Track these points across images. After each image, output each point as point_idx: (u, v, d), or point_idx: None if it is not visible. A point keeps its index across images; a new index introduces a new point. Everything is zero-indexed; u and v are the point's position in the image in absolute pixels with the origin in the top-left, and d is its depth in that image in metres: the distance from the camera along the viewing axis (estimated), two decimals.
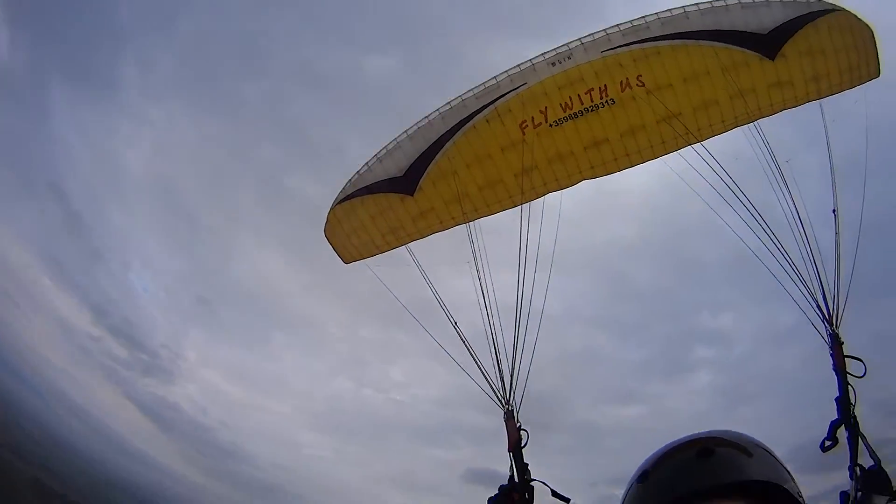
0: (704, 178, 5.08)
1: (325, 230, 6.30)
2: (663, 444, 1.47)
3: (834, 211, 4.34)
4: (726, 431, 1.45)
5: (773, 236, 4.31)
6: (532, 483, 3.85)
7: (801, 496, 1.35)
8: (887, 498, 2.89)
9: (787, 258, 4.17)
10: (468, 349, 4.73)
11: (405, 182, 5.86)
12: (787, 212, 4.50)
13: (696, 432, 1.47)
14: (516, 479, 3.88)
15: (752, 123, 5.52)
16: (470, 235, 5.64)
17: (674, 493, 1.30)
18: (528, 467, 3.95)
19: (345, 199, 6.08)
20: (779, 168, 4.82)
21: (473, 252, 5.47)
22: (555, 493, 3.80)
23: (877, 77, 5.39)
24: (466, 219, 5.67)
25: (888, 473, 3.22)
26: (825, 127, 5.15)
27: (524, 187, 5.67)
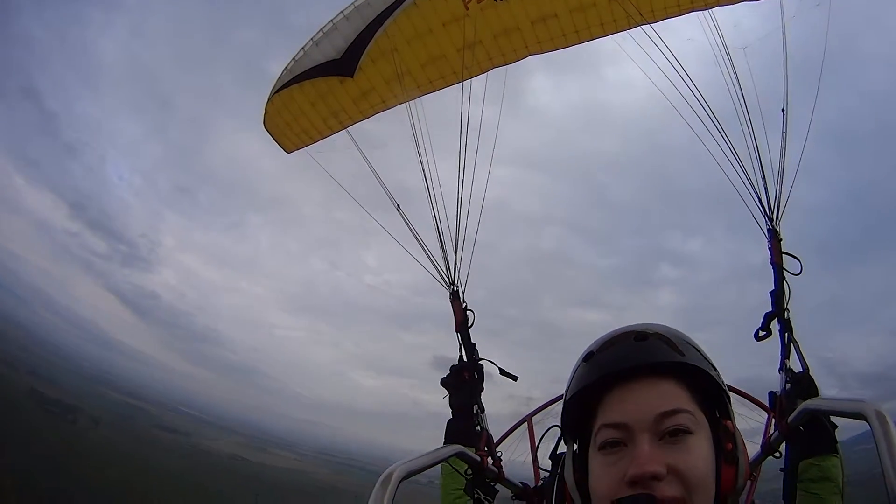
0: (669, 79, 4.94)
1: (263, 122, 6.09)
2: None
3: (783, 110, 4.32)
4: (662, 325, 1.56)
5: (719, 127, 4.32)
6: (481, 362, 3.92)
7: (723, 383, 1.50)
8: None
9: (734, 152, 4.20)
10: (409, 227, 4.75)
11: (343, 64, 5.61)
12: (737, 103, 4.49)
13: (636, 323, 1.58)
14: (465, 359, 3.95)
15: (709, 10, 5.25)
16: (410, 115, 5.43)
17: (612, 368, 1.43)
18: (476, 347, 4.01)
19: (281, 87, 5.82)
20: (728, 56, 4.80)
21: (413, 131, 5.30)
22: (503, 372, 3.93)
23: None
24: (408, 97, 5.46)
25: (814, 381, 3.32)
26: (782, 21, 4.98)
27: (467, 62, 5.44)
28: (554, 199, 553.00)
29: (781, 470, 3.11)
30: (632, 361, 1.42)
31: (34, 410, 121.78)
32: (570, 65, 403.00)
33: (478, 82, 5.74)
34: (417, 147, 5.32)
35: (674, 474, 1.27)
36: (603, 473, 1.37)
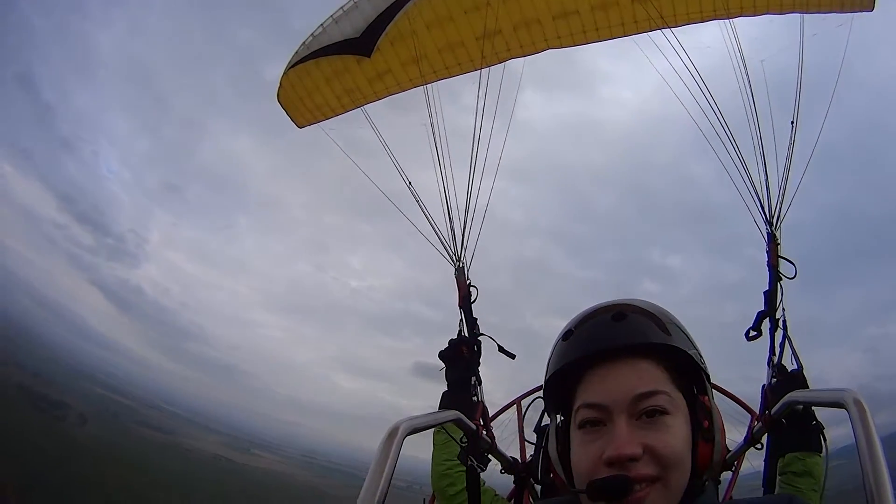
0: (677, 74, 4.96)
1: (277, 94, 6.02)
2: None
3: (792, 122, 4.34)
4: (642, 300, 1.58)
5: (728, 133, 4.37)
6: (480, 337, 3.90)
7: (703, 363, 1.52)
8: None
9: (740, 157, 4.25)
10: (418, 202, 4.71)
11: (362, 43, 5.56)
12: (747, 106, 4.59)
13: (616, 299, 1.61)
14: (465, 334, 3.96)
15: (730, 20, 5.27)
16: (426, 96, 5.41)
17: (590, 348, 1.46)
18: (477, 322, 4.02)
19: (298, 62, 5.76)
20: (745, 67, 4.83)
21: (429, 108, 5.26)
22: (501, 349, 3.92)
23: (870, 10, 5.15)
24: (424, 80, 5.44)
25: (807, 379, 3.36)
26: (801, 39, 5.04)
27: (485, 51, 5.40)
28: (538, 209, 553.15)
29: (764, 461, 3.17)
30: (610, 342, 1.44)
31: (24, 407, 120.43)
32: (562, 80, 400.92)
33: (470, 93, 5.64)
34: (432, 126, 5.26)
35: (650, 454, 1.30)
36: (582, 451, 1.40)
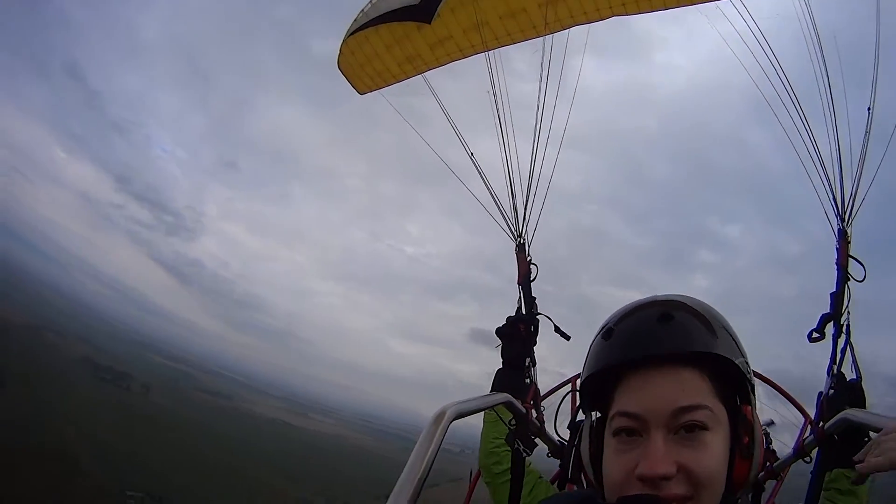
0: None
1: (338, 62, 5.91)
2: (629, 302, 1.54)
3: (869, 109, 4.02)
4: (689, 298, 1.47)
5: (802, 116, 4.05)
6: (538, 317, 3.81)
7: (749, 372, 1.41)
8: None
9: (814, 143, 3.94)
10: (480, 175, 4.52)
11: (422, 9, 5.34)
12: (823, 96, 4.16)
13: (662, 294, 1.50)
14: (524, 312, 3.87)
15: None
16: (488, 63, 5.07)
17: (630, 354, 1.36)
18: (536, 301, 3.91)
19: (357, 29, 5.63)
20: (817, 36, 4.41)
21: (491, 77, 4.91)
22: (557, 329, 3.85)
23: None
24: (486, 47, 5.21)
25: (864, 392, 3.19)
26: (878, 7, 4.60)
27: (548, 18, 5.14)
28: (594, 177, 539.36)
29: (811, 473, 3.00)
30: (653, 348, 1.34)
31: (89, 379, 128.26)
32: (616, 47, 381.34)
33: (521, 59, 5.37)
34: (494, 95, 4.91)
35: (684, 473, 1.24)
36: (615, 461, 1.34)
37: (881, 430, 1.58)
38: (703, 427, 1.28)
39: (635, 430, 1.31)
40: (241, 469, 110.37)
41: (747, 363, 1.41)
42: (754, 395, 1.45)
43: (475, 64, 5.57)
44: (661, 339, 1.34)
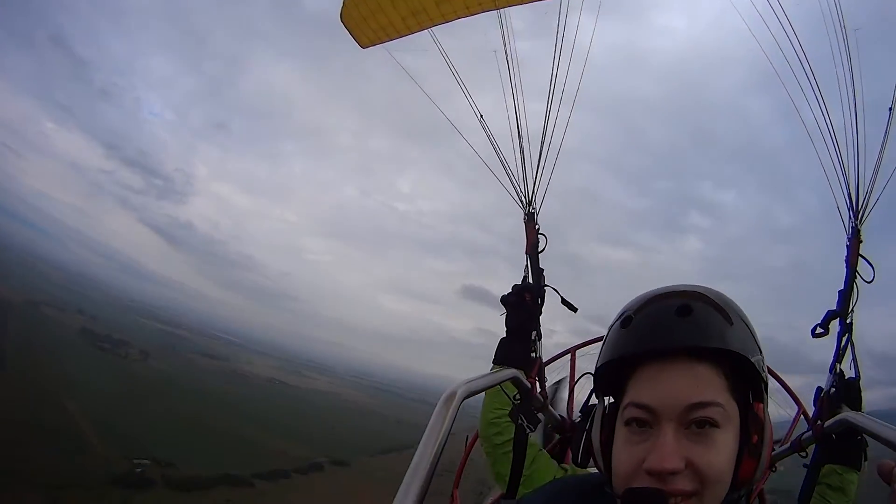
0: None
1: (340, 14, 5.61)
2: (650, 290, 1.50)
3: (890, 109, 3.79)
4: (709, 289, 1.43)
5: (822, 104, 3.79)
6: (545, 288, 3.71)
7: (764, 370, 1.39)
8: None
9: (832, 137, 3.73)
10: (490, 141, 4.27)
11: None
12: (845, 88, 3.91)
13: (683, 284, 1.45)
14: (531, 282, 3.77)
15: None
16: (500, 22, 4.82)
17: (647, 345, 1.34)
18: (544, 272, 3.80)
19: None
20: (844, 29, 4.07)
21: (503, 37, 4.69)
22: (564, 301, 3.75)
23: None
24: (496, 5, 4.89)
25: (861, 391, 3.20)
26: None
27: None
28: (589, 136, 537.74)
29: (804, 466, 3.07)
30: (671, 341, 1.32)
31: (89, 349, 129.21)
32: (614, 8, 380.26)
33: (517, 16, 4.98)
34: (506, 52, 4.62)
35: (691, 468, 1.23)
36: (624, 451, 1.33)
37: (885, 442, 1.57)
38: (714, 424, 1.26)
39: (647, 421, 1.30)
40: (241, 430, 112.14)
41: (763, 360, 1.38)
42: (767, 392, 1.42)
43: (470, 22, 5.28)
44: (679, 332, 1.32)
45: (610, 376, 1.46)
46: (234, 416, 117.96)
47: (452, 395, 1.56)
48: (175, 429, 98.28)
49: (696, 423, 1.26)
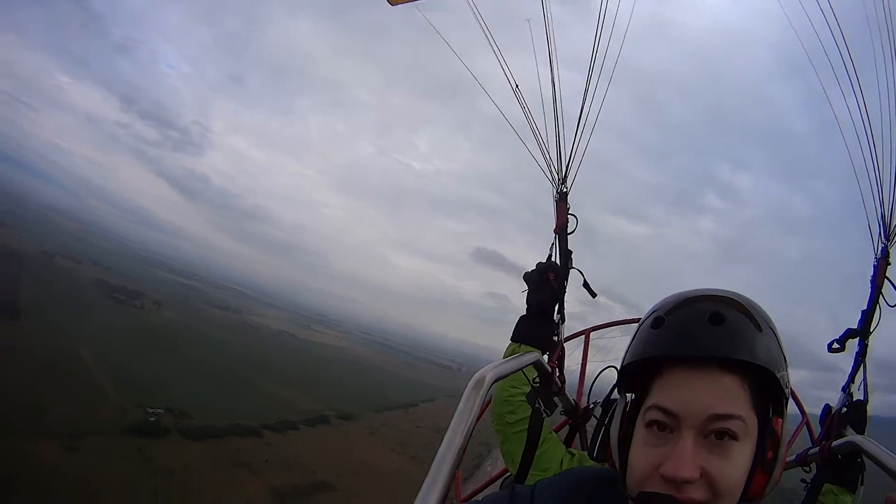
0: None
1: None
2: (682, 291, 1.50)
3: None
4: (742, 296, 1.43)
5: (866, 120, 3.45)
6: (570, 269, 3.56)
7: (787, 385, 1.40)
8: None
9: (873, 153, 3.43)
10: (525, 113, 3.85)
11: None
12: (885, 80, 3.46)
13: (716, 288, 1.46)
14: (558, 262, 3.58)
15: None
16: None
17: (677, 350, 1.35)
18: (572, 255, 3.62)
19: None
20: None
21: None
22: (585, 284, 3.61)
23: None
24: None
25: (867, 412, 3.11)
26: None
27: None
28: (607, 105, 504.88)
29: (802, 481, 2.98)
30: (701, 349, 1.32)
31: (104, 301, 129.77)
32: None
33: None
34: (544, 17, 4.10)
35: (706, 479, 1.25)
36: (642, 453, 1.34)
37: (885, 466, 1.64)
38: (734, 437, 1.28)
39: (668, 425, 1.31)
40: (251, 381, 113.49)
41: (787, 375, 1.40)
42: (787, 408, 1.43)
43: None
44: (711, 341, 1.32)
45: (634, 373, 1.46)
46: (245, 367, 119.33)
47: (481, 380, 1.53)
48: (187, 378, 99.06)
49: (716, 433, 1.27)
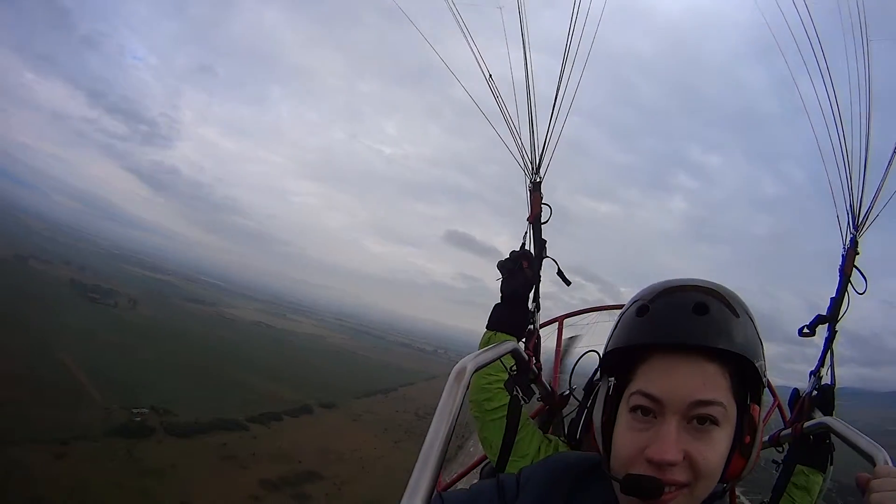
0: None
1: None
2: (664, 280, 1.51)
3: None
4: (724, 288, 1.46)
5: (836, 111, 3.31)
6: (545, 258, 3.46)
7: (765, 374, 1.43)
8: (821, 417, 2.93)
9: (842, 142, 3.31)
10: (497, 102, 3.52)
11: None
12: (858, 90, 3.38)
13: (697, 278, 1.48)
14: (532, 251, 3.47)
15: None
16: None
17: (662, 339, 1.36)
18: (546, 243, 3.51)
19: None
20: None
21: None
22: (560, 273, 3.53)
23: None
24: None
25: (834, 396, 3.16)
26: None
27: None
28: (581, 88, 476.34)
29: (774, 461, 3.06)
30: (685, 338, 1.33)
31: (79, 300, 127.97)
32: None
33: None
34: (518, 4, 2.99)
35: (688, 461, 1.28)
36: (626, 437, 1.36)
37: (857, 448, 1.70)
38: (715, 422, 1.30)
39: (652, 410, 1.33)
40: (232, 374, 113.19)
41: (765, 365, 1.42)
42: (763, 394, 1.46)
43: None
44: (694, 330, 1.34)
45: (617, 359, 1.47)
46: (224, 360, 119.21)
47: (462, 371, 1.54)
48: (169, 376, 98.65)
49: (698, 418, 1.28)
